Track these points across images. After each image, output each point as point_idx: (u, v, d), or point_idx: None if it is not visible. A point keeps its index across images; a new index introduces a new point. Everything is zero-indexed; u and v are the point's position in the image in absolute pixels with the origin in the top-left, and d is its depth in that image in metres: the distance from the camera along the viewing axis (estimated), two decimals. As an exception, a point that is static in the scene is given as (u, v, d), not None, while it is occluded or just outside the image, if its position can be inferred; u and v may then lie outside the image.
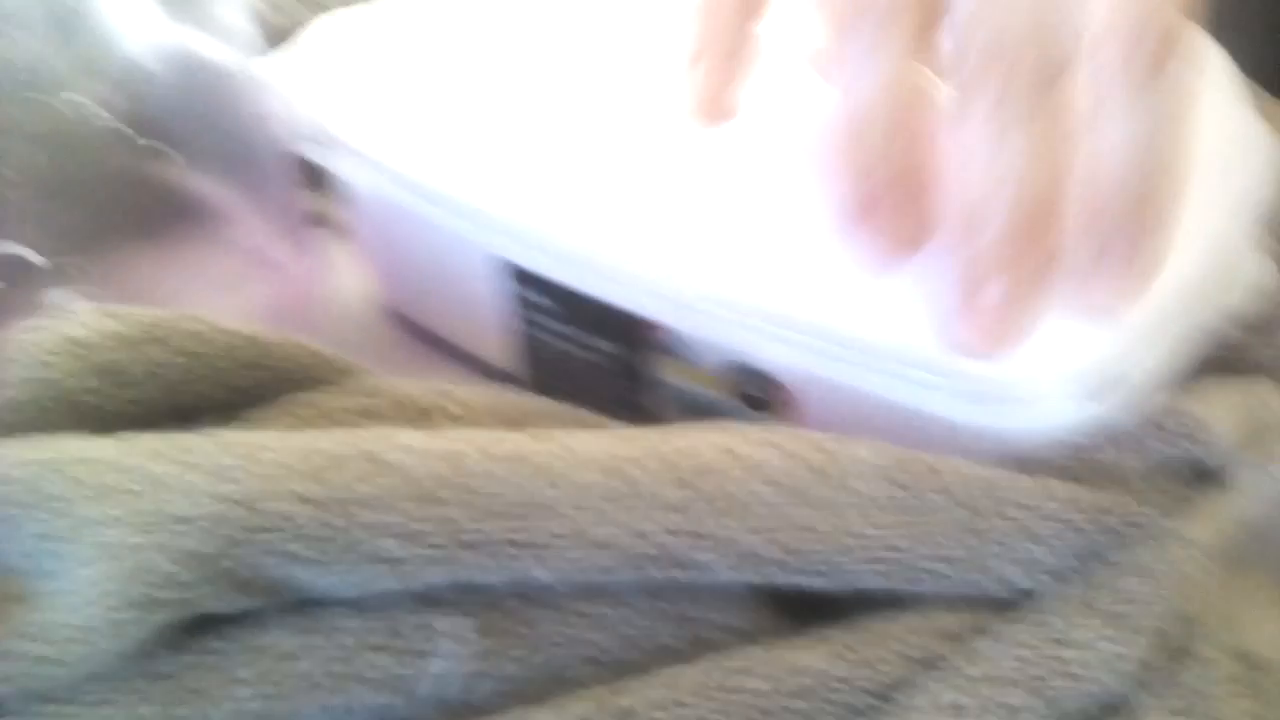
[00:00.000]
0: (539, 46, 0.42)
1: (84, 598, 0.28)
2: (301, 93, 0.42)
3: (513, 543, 0.29)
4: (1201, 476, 0.36)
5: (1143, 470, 0.34)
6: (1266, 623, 0.36)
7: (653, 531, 0.30)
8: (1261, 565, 0.37)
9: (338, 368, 0.37)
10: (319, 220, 0.48)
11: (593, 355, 0.40)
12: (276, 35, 0.44)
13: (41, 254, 0.40)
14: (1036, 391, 0.33)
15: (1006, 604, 0.32)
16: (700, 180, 0.37)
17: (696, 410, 0.39)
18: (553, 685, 0.29)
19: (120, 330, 0.34)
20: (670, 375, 0.38)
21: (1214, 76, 0.40)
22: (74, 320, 0.34)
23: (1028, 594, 0.32)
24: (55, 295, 0.40)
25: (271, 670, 0.29)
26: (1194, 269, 0.35)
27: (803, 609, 0.32)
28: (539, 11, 0.43)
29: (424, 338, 0.46)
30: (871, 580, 0.31)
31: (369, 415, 0.35)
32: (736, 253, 0.36)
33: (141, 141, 0.40)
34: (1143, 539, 0.33)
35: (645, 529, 0.30)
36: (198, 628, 0.29)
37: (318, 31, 0.44)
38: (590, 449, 0.31)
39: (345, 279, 0.47)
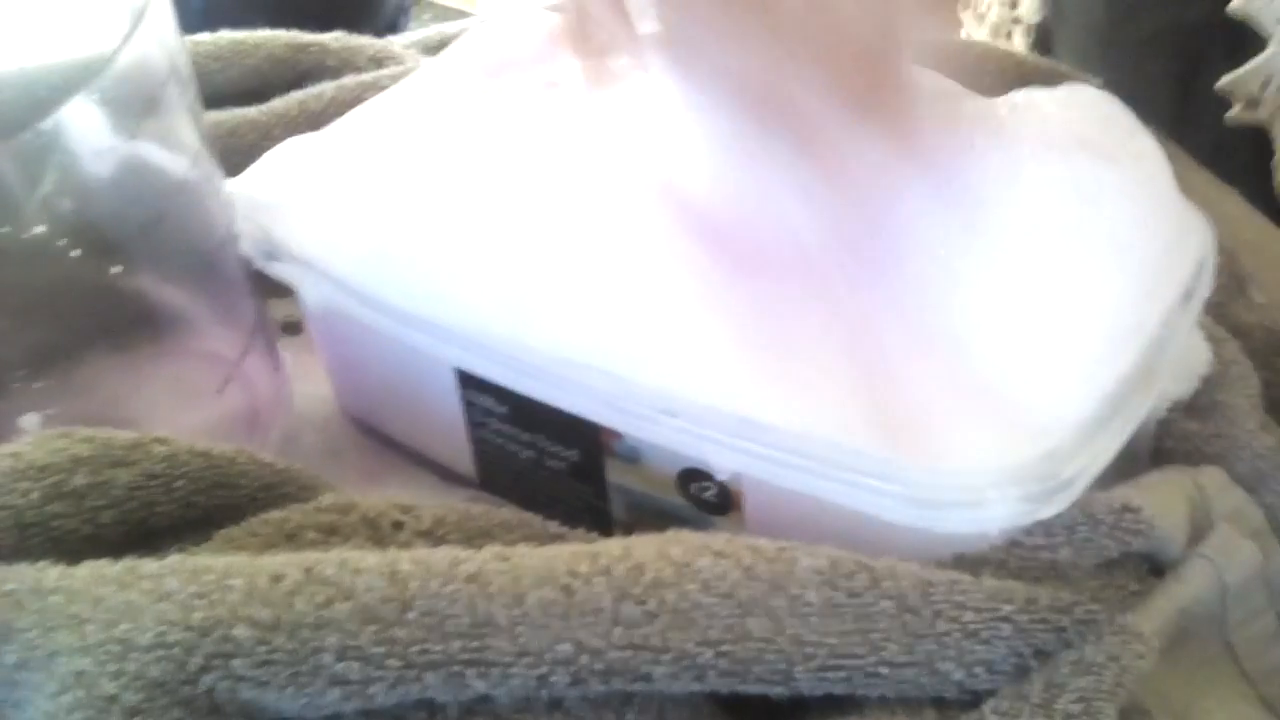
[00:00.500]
0: (484, 165, 0.42)
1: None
2: (259, 210, 0.43)
3: (463, 663, 0.29)
4: (1150, 570, 0.37)
5: (1089, 567, 0.35)
6: (1213, 701, 0.37)
7: (600, 647, 0.30)
8: (1204, 648, 0.38)
9: (303, 484, 0.38)
10: (286, 328, 0.48)
11: (545, 459, 0.41)
12: (236, 159, 0.45)
13: (6, 375, 0.40)
14: (979, 494, 0.34)
15: (959, 705, 0.32)
16: (647, 289, 0.38)
17: (649, 512, 0.39)
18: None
19: (82, 454, 0.35)
20: (622, 479, 0.39)
21: (1144, 165, 0.41)
22: (34, 445, 0.35)
23: (978, 695, 0.32)
24: (18, 417, 0.40)
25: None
26: (1134, 362, 0.36)
27: (758, 711, 0.32)
28: (483, 135, 0.44)
29: (384, 442, 0.46)
30: (822, 687, 0.32)
31: (334, 533, 0.35)
32: (685, 360, 0.36)
33: (103, 258, 0.41)
34: (1091, 636, 0.33)
35: (593, 645, 0.30)
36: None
37: (277, 154, 0.45)
38: (538, 567, 0.31)
39: (309, 385, 0.48)
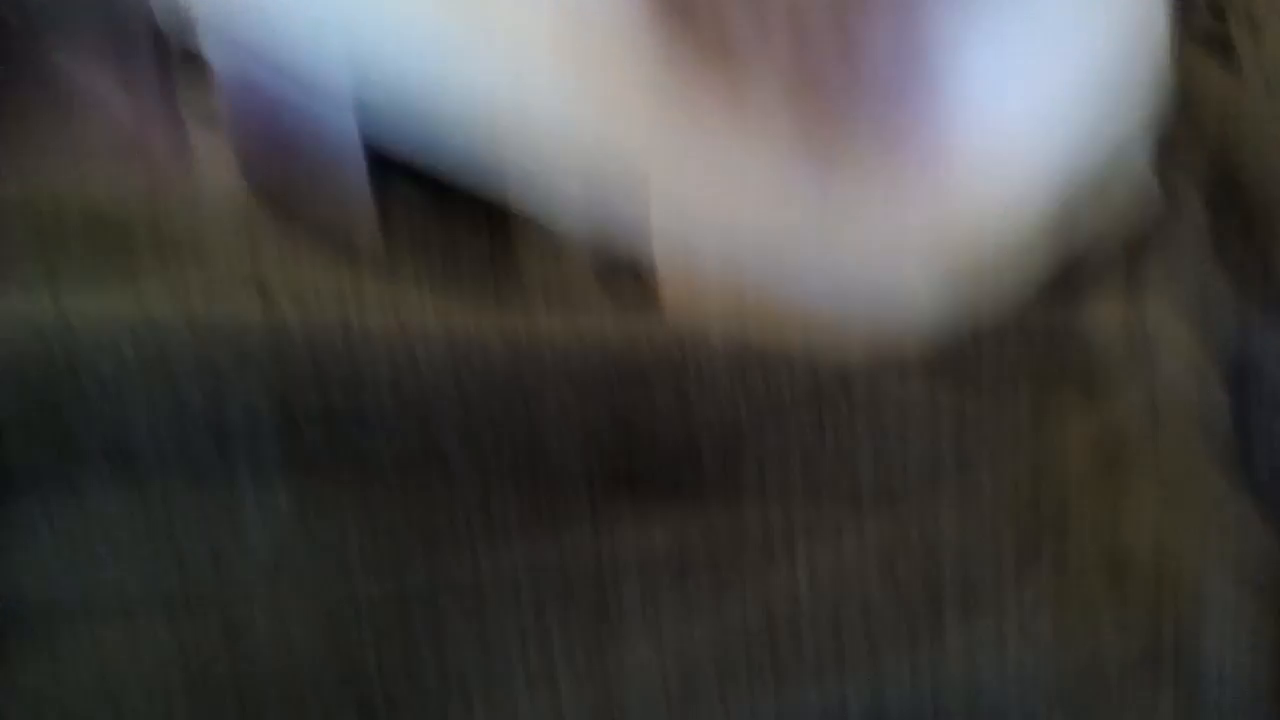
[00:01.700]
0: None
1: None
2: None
3: (333, 413, 0.27)
4: (1081, 381, 0.35)
5: (1016, 380, 0.34)
6: (1143, 527, 0.36)
7: (483, 404, 0.29)
8: (1139, 471, 0.36)
9: (197, 245, 0.35)
10: (191, 107, 0.46)
11: (458, 242, 0.38)
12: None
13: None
14: (904, 284, 0.32)
15: (860, 496, 0.31)
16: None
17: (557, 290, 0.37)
18: (372, 553, 0.28)
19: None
20: (532, 254, 0.37)
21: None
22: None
23: (883, 489, 0.31)
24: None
25: (82, 534, 0.27)
26: (1077, 165, 0.34)
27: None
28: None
29: (291, 218, 0.44)
30: (708, 451, 0.30)
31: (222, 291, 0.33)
32: (605, 112, 0.34)
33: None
34: (1011, 450, 0.32)
35: (476, 402, 0.28)
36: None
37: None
38: (425, 324, 0.29)
39: (206, 151, 0.45)
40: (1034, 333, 0.34)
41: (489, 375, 0.28)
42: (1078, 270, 0.36)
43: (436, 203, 0.38)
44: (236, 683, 0.27)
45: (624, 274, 0.35)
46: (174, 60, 0.42)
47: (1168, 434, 0.35)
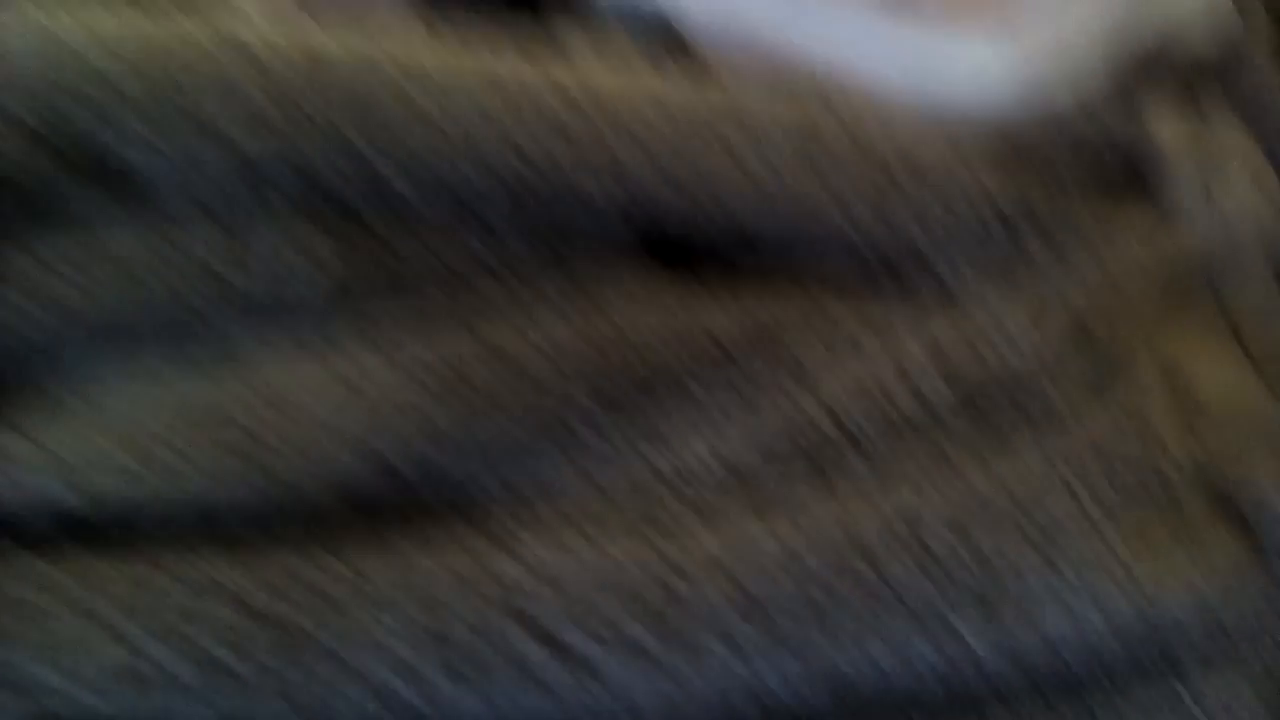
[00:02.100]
0: None
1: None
2: None
3: (371, 145, 0.25)
4: (1152, 198, 0.33)
5: (1086, 174, 0.32)
6: (1204, 361, 0.34)
7: (531, 150, 0.26)
8: (1200, 308, 0.34)
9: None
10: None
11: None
12: None
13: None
14: (971, 59, 0.30)
15: (928, 289, 0.29)
16: None
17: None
18: (412, 314, 0.26)
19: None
20: (572, 36, 0.35)
21: None
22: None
23: (935, 272, 0.29)
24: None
25: (106, 275, 0.25)
26: None
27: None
28: None
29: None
30: (765, 227, 0.28)
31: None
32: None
33: None
34: (1067, 234, 0.30)
35: (523, 146, 0.26)
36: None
37: None
38: (471, 63, 0.27)
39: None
40: (1102, 135, 0.32)
41: (539, 118, 0.26)
42: (1144, 77, 0.34)
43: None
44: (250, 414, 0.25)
45: (670, 54, 0.33)
46: None
47: (1240, 273, 0.34)
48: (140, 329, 0.25)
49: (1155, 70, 0.36)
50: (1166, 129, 0.34)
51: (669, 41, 0.33)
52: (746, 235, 0.28)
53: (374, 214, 0.26)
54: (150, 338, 0.25)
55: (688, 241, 0.28)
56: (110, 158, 0.25)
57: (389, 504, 0.25)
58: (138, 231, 0.25)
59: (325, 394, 0.25)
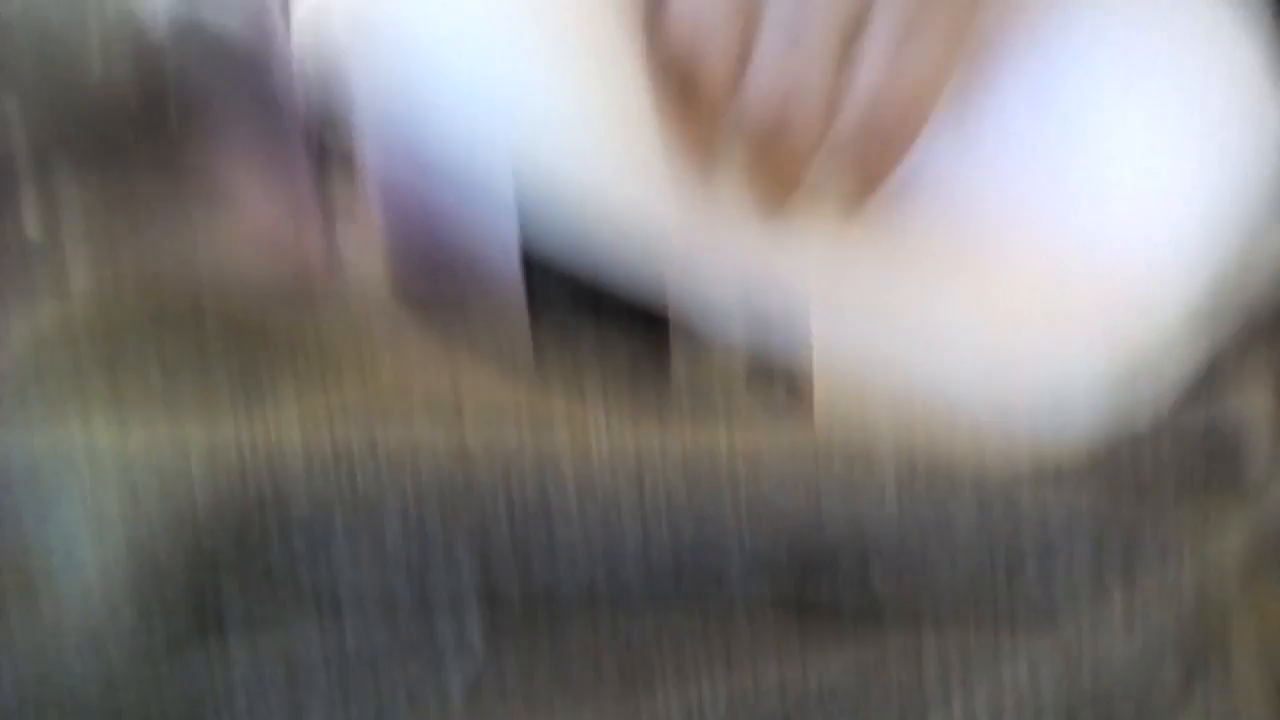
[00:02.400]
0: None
1: (91, 590, 0.28)
2: (319, 68, 0.41)
3: (530, 546, 0.28)
4: (1235, 482, 0.35)
5: (1172, 484, 0.34)
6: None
7: (666, 533, 0.29)
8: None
9: (359, 355, 0.36)
10: (334, 200, 0.47)
11: (609, 344, 0.39)
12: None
13: (48, 223, 0.39)
14: (1065, 401, 0.32)
15: (1028, 616, 0.31)
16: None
17: (713, 396, 0.38)
18: (562, 695, 0.29)
19: (133, 311, 0.33)
20: (684, 362, 0.38)
21: (1236, 60, 0.39)
22: (87, 302, 0.33)
23: (1049, 607, 0.31)
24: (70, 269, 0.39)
25: (285, 676, 0.28)
26: (1227, 264, 0.35)
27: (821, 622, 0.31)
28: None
29: (440, 321, 0.45)
30: (878, 565, 0.30)
31: (391, 406, 0.34)
32: (760, 245, 0.35)
33: (161, 115, 0.40)
34: (1173, 559, 0.32)
35: (659, 532, 0.29)
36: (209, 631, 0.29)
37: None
38: (605, 448, 0.30)
39: (356, 256, 0.46)
40: (1186, 433, 0.34)
41: (670, 500, 0.29)
42: (1224, 360, 0.36)
43: (586, 301, 0.38)
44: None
45: (776, 380, 0.36)
46: (325, 158, 0.43)
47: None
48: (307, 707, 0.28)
49: (1232, 343, 0.38)
50: (1244, 406, 0.36)
51: (777, 371, 0.36)
52: (862, 582, 0.31)
53: (525, 602, 0.29)
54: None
55: (807, 590, 0.31)
56: (277, 566, 0.28)
57: None
58: (305, 625, 0.28)
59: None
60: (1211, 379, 0.36)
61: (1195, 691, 0.31)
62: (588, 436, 0.30)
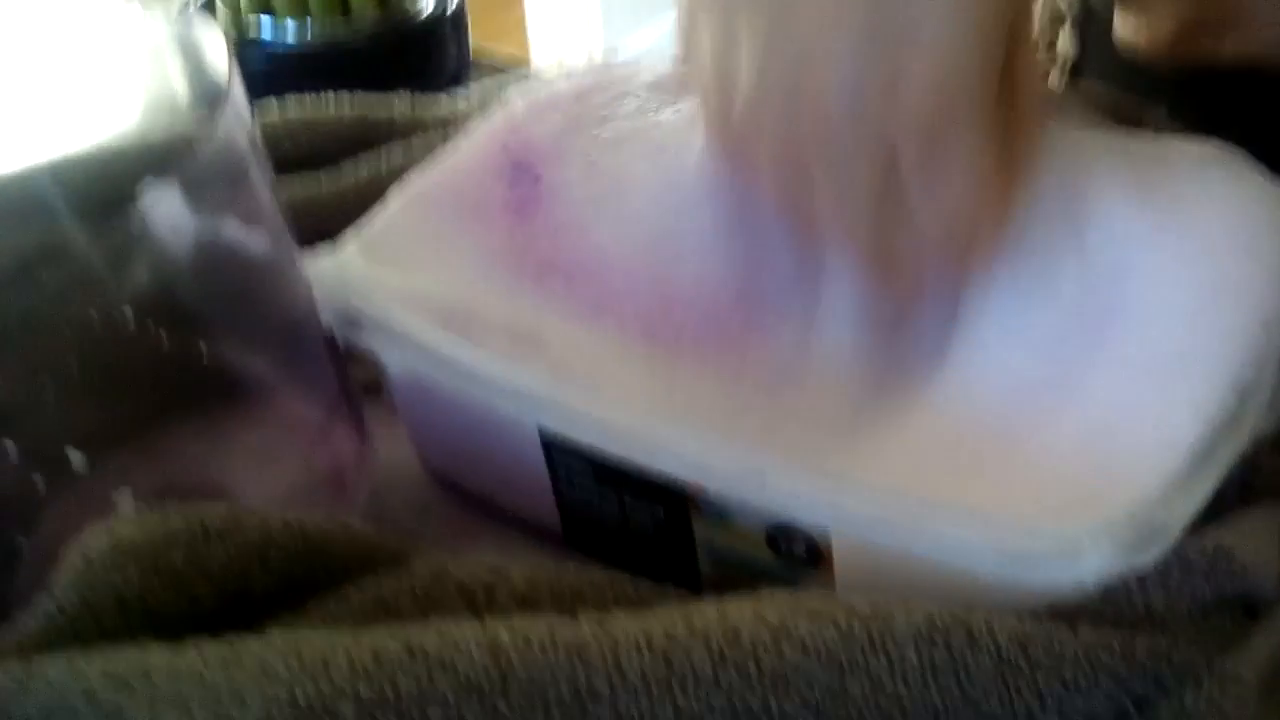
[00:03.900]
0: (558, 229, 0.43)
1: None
2: (339, 282, 0.43)
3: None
4: (1245, 611, 0.36)
5: (1184, 612, 0.35)
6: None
7: (697, 710, 0.31)
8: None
9: (395, 551, 0.38)
10: (365, 389, 0.49)
11: (631, 517, 0.41)
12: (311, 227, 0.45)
13: (84, 450, 0.41)
14: (1074, 547, 0.33)
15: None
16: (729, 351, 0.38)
17: (737, 567, 0.39)
18: None
19: (178, 531, 0.35)
20: (709, 535, 0.39)
21: (1240, 204, 0.40)
22: (130, 524, 0.35)
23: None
24: (100, 489, 0.41)
25: None
26: (1225, 407, 0.36)
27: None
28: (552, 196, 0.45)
29: (469, 499, 0.47)
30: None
31: (428, 599, 0.36)
32: (773, 417, 0.37)
33: (188, 334, 0.42)
34: (1191, 683, 0.33)
35: (690, 710, 0.30)
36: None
37: (355, 228, 0.46)
38: (636, 634, 0.31)
39: (388, 444, 0.48)
40: (1194, 562, 0.35)
41: (699, 679, 0.31)
42: (1228, 489, 0.37)
43: (608, 478, 0.40)
44: None
45: (796, 542, 0.37)
46: (348, 355, 0.45)
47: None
48: None
49: (1245, 469, 0.39)
50: (1251, 543, 0.37)
51: (797, 534, 0.37)
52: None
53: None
54: None
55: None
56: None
57: None
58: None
59: None
60: (1216, 509, 0.37)
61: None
62: (614, 624, 0.32)
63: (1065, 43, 0.64)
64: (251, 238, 0.42)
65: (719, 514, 0.38)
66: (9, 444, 0.39)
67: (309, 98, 0.58)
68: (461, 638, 0.31)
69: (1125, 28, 0.42)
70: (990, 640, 0.32)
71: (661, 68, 0.49)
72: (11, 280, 0.44)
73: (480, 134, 0.48)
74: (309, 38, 0.67)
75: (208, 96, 0.41)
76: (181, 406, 0.44)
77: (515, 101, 0.49)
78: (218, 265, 0.41)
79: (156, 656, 0.32)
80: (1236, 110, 0.52)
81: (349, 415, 0.46)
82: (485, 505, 0.46)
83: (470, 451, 0.44)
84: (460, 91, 0.65)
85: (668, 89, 0.48)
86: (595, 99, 0.48)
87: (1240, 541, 0.36)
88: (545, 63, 0.81)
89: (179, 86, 0.45)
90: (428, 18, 0.70)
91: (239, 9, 0.68)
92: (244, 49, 0.66)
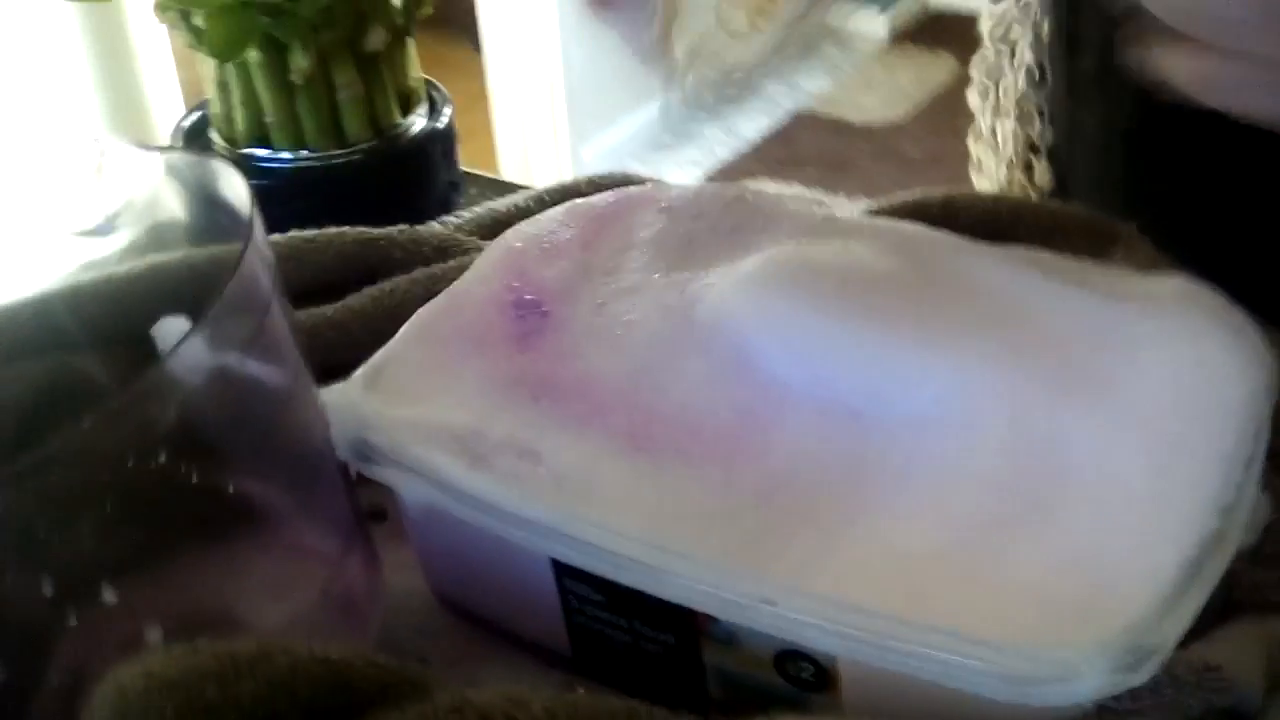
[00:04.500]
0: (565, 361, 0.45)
1: None
2: (353, 418, 0.45)
3: None
4: (1233, 715, 0.38)
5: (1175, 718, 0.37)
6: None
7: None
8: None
9: (415, 680, 0.39)
10: (372, 515, 0.50)
11: (641, 643, 0.42)
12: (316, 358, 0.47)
13: (112, 581, 0.42)
14: (1072, 670, 0.35)
15: None
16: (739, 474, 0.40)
17: (746, 691, 0.41)
18: None
19: (210, 668, 0.36)
20: (718, 660, 0.41)
21: (1210, 338, 0.43)
22: (163, 661, 0.36)
23: None
24: (125, 619, 0.42)
25: None
26: (1211, 527, 0.38)
27: None
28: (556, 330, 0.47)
29: (479, 625, 0.48)
30: None
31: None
32: (779, 546, 0.38)
33: (211, 471, 0.43)
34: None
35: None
36: None
37: (368, 364, 0.47)
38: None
39: (400, 570, 0.49)
40: (1182, 677, 0.37)
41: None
42: (1214, 602, 0.39)
43: (618, 602, 0.42)
44: None
45: (804, 664, 0.39)
46: (356, 482, 0.47)
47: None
48: None
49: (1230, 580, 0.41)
50: (1237, 657, 0.39)
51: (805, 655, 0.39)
52: None
53: None
54: None
55: None
56: None
57: None
58: None
59: None
60: (1201, 624, 0.38)
61: None
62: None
63: (1043, 174, 0.67)
64: (271, 370, 0.44)
65: (728, 639, 0.40)
66: (45, 577, 0.40)
67: (309, 231, 0.60)
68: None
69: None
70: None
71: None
72: (35, 410, 0.45)
73: (485, 271, 0.50)
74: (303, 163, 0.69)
75: (226, 230, 0.43)
76: (200, 537, 0.45)
77: (515, 243, 0.51)
78: (239, 398, 0.43)
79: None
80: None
81: (362, 545, 0.48)
82: (494, 629, 0.47)
83: (482, 577, 0.46)
84: (451, 219, 0.67)
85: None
86: (603, 250, 0.51)
87: (1227, 657, 0.38)
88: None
89: (196, 219, 0.47)
90: (418, 134, 0.72)
91: (235, 142, 0.70)
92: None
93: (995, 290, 0.46)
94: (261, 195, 0.43)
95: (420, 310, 0.49)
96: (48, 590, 0.40)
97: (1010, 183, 0.71)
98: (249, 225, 0.41)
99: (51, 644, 0.42)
